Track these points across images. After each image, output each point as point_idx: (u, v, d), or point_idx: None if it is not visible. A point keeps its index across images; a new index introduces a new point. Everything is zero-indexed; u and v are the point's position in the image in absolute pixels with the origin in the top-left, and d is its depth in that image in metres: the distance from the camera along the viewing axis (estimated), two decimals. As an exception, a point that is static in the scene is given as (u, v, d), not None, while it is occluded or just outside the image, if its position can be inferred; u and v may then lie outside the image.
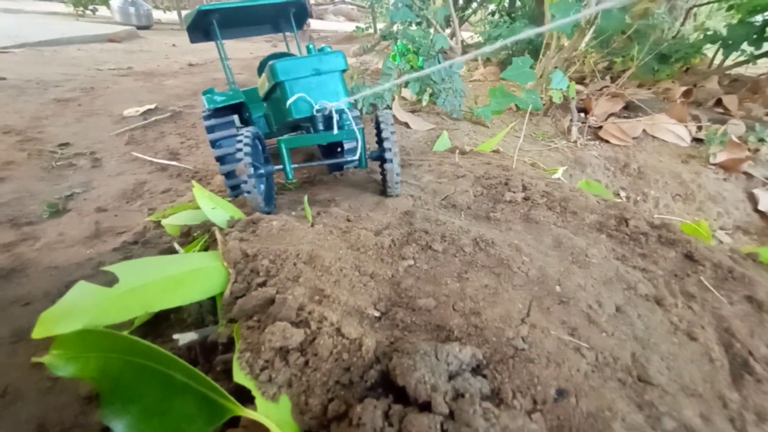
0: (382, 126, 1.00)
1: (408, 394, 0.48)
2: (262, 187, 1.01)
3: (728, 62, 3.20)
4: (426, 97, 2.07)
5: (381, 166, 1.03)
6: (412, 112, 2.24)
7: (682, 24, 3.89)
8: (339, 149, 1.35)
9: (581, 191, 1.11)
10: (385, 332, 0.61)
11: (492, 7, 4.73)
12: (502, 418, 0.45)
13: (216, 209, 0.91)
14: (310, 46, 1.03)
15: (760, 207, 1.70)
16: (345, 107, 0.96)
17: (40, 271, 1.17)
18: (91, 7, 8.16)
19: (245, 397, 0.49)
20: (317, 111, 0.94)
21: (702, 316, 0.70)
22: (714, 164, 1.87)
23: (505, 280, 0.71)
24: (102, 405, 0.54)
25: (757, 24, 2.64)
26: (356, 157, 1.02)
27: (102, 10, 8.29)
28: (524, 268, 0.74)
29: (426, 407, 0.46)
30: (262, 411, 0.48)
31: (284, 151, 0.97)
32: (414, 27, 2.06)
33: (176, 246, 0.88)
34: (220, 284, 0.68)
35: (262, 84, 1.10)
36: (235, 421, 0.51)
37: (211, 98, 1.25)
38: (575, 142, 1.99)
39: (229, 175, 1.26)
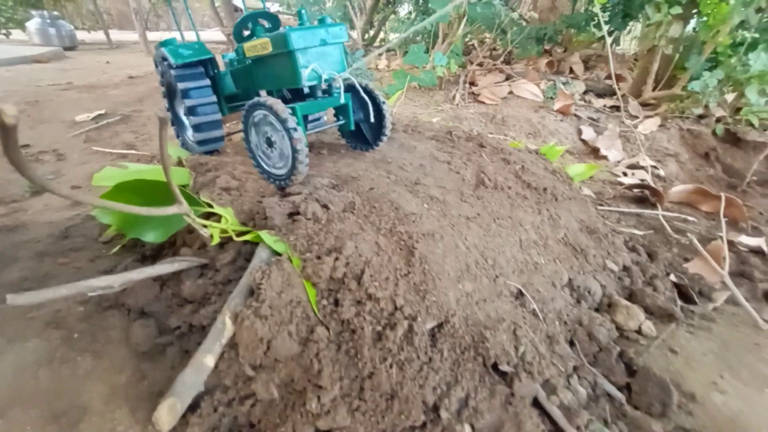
0: (376, 93, 1.16)
1: (291, 194, 0.97)
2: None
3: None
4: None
5: (375, 120, 1.19)
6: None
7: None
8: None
9: (431, 123, 1.65)
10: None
11: (409, 7, 5.40)
12: (334, 191, 0.95)
13: (179, 152, 1.34)
14: (302, 10, 1.03)
15: (583, 137, 2.39)
16: (351, 77, 1.04)
17: (39, 225, 1.51)
18: (3, 31, 7.79)
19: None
20: (325, 80, 0.98)
21: (470, 165, 1.25)
22: (555, 110, 2.54)
23: (360, 160, 1.22)
24: (127, 235, 0.97)
25: (593, 12, 3.43)
26: (345, 120, 1.15)
27: (17, 34, 7.94)
28: (374, 156, 1.26)
29: (298, 195, 0.95)
30: (218, 210, 0.94)
31: (300, 117, 1.00)
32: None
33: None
34: (187, 178, 1.12)
35: (256, 46, 1.05)
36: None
37: (176, 51, 1.17)
38: (457, 104, 2.59)
39: (199, 127, 1.22)
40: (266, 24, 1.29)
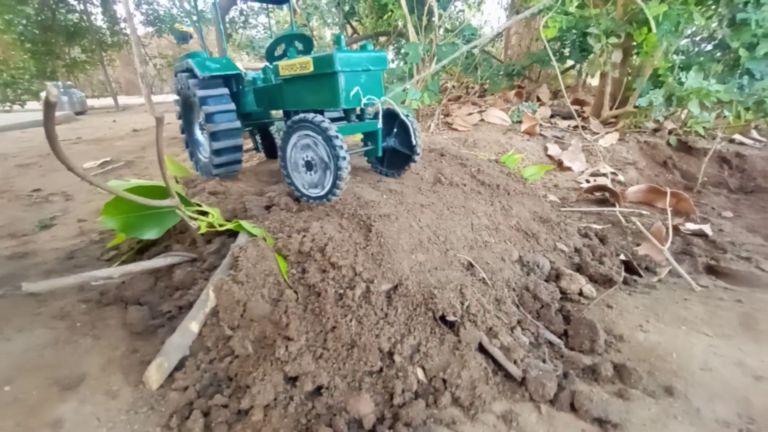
0: (403, 115, 1.18)
1: (267, 192, 1.13)
2: None
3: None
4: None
5: (407, 142, 1.22)
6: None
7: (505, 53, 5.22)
8: None
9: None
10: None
11: (391, 55, 5.98)
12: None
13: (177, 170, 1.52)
14: (341, 35, 1.06)
15: (549, 153, 2.60)
16: (392, 103, 1.08)
17: (46, 251, 1.66)
18: (19, 101, 8.39)
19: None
20: (365, 104, 1.02)
21: (429, 168, 1.42)
22: (522, 132, 2.78)
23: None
24: (128, 235, 1.12)
25: (554, 48, 3.83)
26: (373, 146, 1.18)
27: (31, 104, 8.57)
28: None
29: (273, 191, 1.11)
30: (206, 208, 1.09)
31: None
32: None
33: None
34: (180, 191, 1.29)
35: (294, 65, 1.07)
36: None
37: (203, 63, 1.17)
38: (432, 132, 2.83)
39: (220, 152, 1.23)
40: (299, 46, 1.35)
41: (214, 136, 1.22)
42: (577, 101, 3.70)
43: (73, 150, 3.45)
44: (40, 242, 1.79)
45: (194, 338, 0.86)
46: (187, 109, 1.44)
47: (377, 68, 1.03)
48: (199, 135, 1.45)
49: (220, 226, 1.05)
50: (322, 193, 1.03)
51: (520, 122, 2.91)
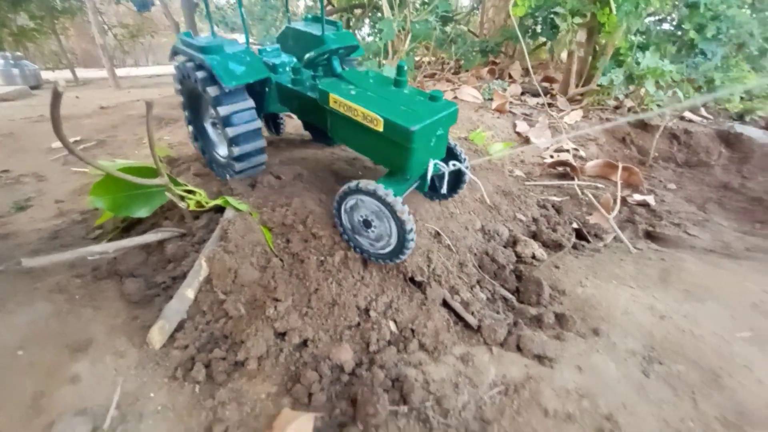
0: (459, 151, 1.11)
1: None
2: None
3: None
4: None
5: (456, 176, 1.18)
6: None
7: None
8: None
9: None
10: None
11: (367, 30, 5.86)
12: (285, 166, 1.19)
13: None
14: (402, 63, 0.98)
15: (517, 129, 2.74)
16: (460, 166, 1.04)
17: (28, 232, 1.67)
18: (-37, 75, 7.73)
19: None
20: (433, 172, 0.97)
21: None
22: (493, 109, 2.90)
23: (311, 147, 1.47)
24: (118, 214, 1.18)
25: (527, 25, 3.90)
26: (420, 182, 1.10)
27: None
28: (322, 145, 1.51)
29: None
30: (192, 189, 1.16)
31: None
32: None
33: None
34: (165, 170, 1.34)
35: (355, 111, 0.94)
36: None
37: (225, 67, 0.97)
38: (408, 110, 2.91)
39: (242, 157, 1.11)
40: (342, 51, 1.15)
41: (239, 159, 1.13)
42: (547, 78, 3.83)
43: (37, 129, 3.31)
44: (19, 224, 1.80)
45: (191, 303, 0.96)
46: (192, 102, 1.26)
47: (446, 127, 0.96)
48: (212, 133, 1.30)
49: (207, 203, 1.13)
50: (388, 251, 0.97)
51: (491, 100, 3.02)
